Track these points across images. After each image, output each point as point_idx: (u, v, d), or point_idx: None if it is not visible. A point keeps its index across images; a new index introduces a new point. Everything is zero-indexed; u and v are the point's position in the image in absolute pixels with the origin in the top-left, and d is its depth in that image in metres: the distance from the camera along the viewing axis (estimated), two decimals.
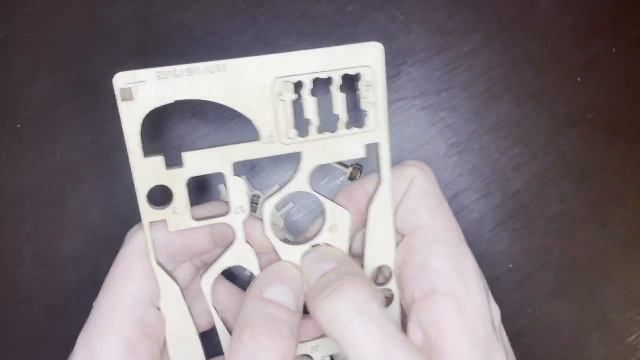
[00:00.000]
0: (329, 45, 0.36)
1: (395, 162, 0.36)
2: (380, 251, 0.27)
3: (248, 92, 0.25)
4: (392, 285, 0.28)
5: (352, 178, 0.36)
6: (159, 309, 0.27)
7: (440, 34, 0.36)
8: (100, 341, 0.26)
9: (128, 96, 0.24)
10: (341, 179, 0.36)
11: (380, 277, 0.29)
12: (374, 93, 0.26)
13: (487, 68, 0.36)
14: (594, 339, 0.37)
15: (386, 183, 0.27)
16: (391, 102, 0.36)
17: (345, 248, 0.27)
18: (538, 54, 0.36)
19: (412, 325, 0.24)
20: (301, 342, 0.28)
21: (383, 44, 0.33)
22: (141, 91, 0.24)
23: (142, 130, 0.25)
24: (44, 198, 0.36)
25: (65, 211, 0.36)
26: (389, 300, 0.28)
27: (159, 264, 0.27)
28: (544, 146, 0.36)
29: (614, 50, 0.37)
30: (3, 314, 0.36)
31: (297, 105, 0.26)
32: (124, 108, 0.24)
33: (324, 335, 0.29)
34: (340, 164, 0.36)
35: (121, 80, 0.24)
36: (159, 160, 0.25)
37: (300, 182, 0.26)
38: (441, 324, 0.23)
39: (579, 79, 0.37)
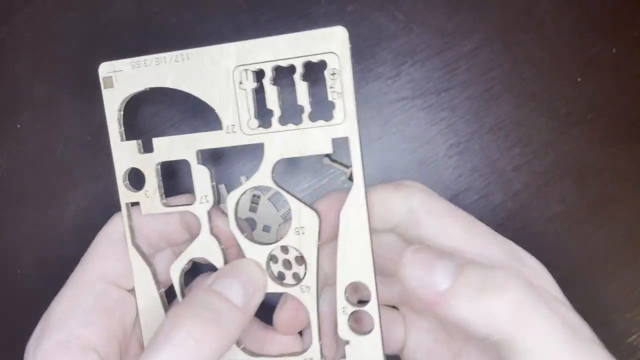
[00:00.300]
0: None
1: (396, 162, 0.36)
2: (354, 265, 0.25)
3: (210, 81, 0.25)
4: (372, 308, 0.25)
5: (352, 178, 0.35)
6: (130, 291, 0.28)
7: (440, 34, 0.36)
8: (55, 308, 0.26)
9: (109, 84, 0.27)
10: (341, 178, 0.36)
11: (354, 294, 0.26)
12: (340, 82, 0.24)
13: (487, 68, 0.36)
14: None
15: (359, 184, 0.25)
16: (391, 102, 0.36)
17: (313, 253, 0.25)
18: (538, 54, 0.36)
19: None
20: (268, 357, 0.27)
21: (383, 43, 0.33)
22: (119, 79, 0.27)
23: (122, 115, 0.27)
24: (44, 198, 0.36)
25: (65, 211, 0.36)
26: (368, 328, 0.25)
27: (135, 245, 0.27)
28: (544, 146, 0.36)
29: (614, 50, 0.37)
30: (3, 314, 0.36)
31: (261, 95, 0.25)
32: (106, 94, 0.27)
33: (295, 353, 0.27)
34: (340, 163, 0.36)
35: (104, 69, 0.27)
36: (133, 144, 0.27)
37: (263, 176, 0.26)
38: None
39: (579, 79, 0.37)
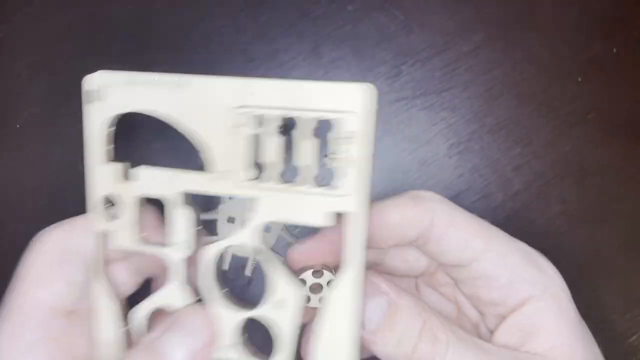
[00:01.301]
0: (329, 44, 0.36)
1: (396, 162, 0.36)
2: (331, 354, 0.22)
3: (207, 117, 0.22)
4: None
5: None
6: (72, 314, 0.25)
7: (440, 33, 0.36)
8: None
9: (94, 98, 0.24)
10: None
11: None
12: (356, 147, 0.20)
13: (487, 68, 0.36)
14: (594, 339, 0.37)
15: (354, 270, 0.21)
16: (391, 102, 0.36)
17: (290, 333, 0.23)
18: (538, 53, 0.36)
19: (506, 331, 0.25)
20: None
21: (383, 43, 0.33)
22: (106, 95, 0.24)
23: (108, 134, 0.24)
24: (43, 198, 0.36)
25: (65, 211, 0.36)
26: None
27: (103, 279, 0.24)
28: (544, 146, 0.36)
29: (614, 50, 0.37)
30: None
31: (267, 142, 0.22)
32: (88, 109, 0.24)
33: None
34: None
35: (89, 82, 0.24)
36: (117, 168, 0.24)
37: (249, 235, 0.22)
38: (544, 321, 0.24)
39: (579, 79, 0.36)
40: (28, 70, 0.36)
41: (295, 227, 0.36)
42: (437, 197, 0.26)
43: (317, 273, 0.25)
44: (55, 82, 0.36)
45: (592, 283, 0.37)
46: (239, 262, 0.36)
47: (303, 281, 0.25)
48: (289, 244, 0.36)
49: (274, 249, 0.36)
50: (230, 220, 0.36)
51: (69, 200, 0.36)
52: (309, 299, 0.25)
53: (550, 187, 0.36)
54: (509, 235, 0.26)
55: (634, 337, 0.36)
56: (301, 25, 0.36)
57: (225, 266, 0.35)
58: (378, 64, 0.36)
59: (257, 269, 0.36)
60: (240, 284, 0.36)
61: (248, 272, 0.36)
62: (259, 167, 0.22)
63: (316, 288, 0.25)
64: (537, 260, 0.26)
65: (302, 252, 0.26)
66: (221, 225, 0.36)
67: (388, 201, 0.25)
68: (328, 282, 0.24)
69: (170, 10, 0.36)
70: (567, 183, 0.36)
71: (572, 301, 0.26)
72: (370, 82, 0.36)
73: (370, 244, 0.24)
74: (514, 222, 0.36)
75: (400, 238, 0.25)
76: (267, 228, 0.36)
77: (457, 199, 0.36)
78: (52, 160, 0.36)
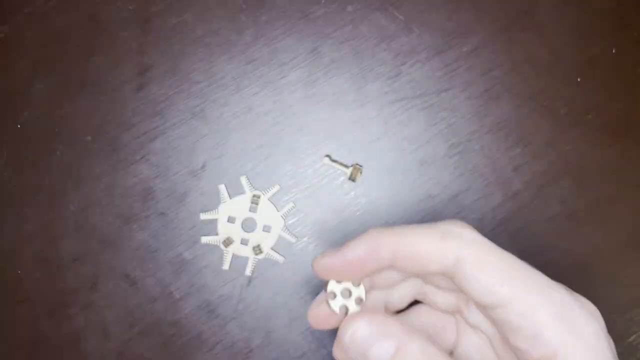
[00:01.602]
0: (329, 44, 0.36)
1: (396, 162, 0.36)
2: None
3: None
4: None
5: (352, 178, 0.36)
6: None
7: (440, 33, 0.36)
8: None
9: None
10: (341, 179, 0.36)
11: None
12: None
13: (487, 68, 0.36)
14: None
15: None
16: (391, 102, 0.36)
17: None
18: (538, 54, 0.36)
19: None
20: None
21: (383, 43, 0.33)
22: None
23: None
24: (43, 198, 0.36)
25: (65, 211, 0.36)
26: None
27: None
28: (544, 146, 0.36)
29: (614, 50, 0.37)
30: (2, 314, 0.36)
31: None
32: None
33: None
34: (340, 163, 0.36)
35: None
36: None
37: None
38: None
39: (579, 79, 0.37)
40: (28, 70, 0.36)
41: (296, 227, 0.36)
42: (470, 235, 0.25)
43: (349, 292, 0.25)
44: (55, 82, 0.36)
45: (592, 283, 0.37)
46: (239, 262, 0.36)
47: (333, 294, 0.24)
48: (290, 244, 0.36)
49: (274, 249, 0.36)
50: (231, 220, 0.36)
51: (69, 200, 0.36)
52: (347, 309, 0.25)
53: (550, 187, 0.36)
54: (546, 280, 0.25)
55: (633, 337, 0.36)
56: (301, 25, 0.36)
57: (226, 266, 0.35)
58: (378, 64, 0.36)
59: (257, 269, 0.36)
60: (240, 284, 0.36)
61: (248, 272, 0.36)
62: None
63: (345, 293, 0.25)
64: (570, 315, 0.24)
65: (329, 268, 0.25)
66: (221, 225, 0.36)
67: (416, 229, 0.24)
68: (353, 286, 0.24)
69: (170, 11, 0.36)
70: (567, 183, 0.36)
71: (605, 357, 0.24)
72: (371, 82, 0.36)
73: (393, 268, 0.24)
74: (514, 222, 0.36)
75: (422, 270, 0.25)
76: (267, 228, 0.36)
77: (457, 199, 0.36)
78: (52, 160, 0.36)
